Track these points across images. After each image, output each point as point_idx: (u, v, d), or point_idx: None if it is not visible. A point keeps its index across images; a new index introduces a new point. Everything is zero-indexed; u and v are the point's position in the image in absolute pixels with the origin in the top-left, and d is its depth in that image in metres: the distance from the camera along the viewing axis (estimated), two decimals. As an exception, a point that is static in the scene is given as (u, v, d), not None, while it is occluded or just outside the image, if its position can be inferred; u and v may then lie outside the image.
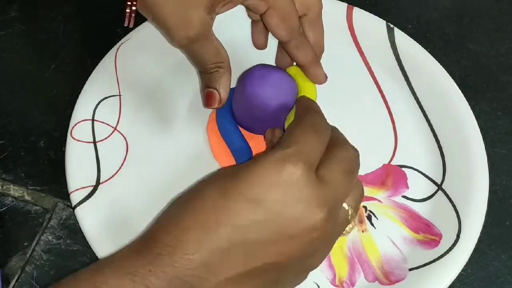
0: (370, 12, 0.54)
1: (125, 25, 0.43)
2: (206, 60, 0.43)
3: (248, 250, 0.33)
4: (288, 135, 0.36)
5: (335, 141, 0.37)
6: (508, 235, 0.48)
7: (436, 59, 0.52)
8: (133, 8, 0.41)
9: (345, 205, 0.36)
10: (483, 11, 0.58)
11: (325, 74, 0.47)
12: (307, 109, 0.39)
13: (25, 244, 0.46)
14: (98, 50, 0.51)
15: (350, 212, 0.37)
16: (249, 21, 0.50)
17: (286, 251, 0.34)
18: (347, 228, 0.39)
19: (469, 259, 0.45)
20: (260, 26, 0.48)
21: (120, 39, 0.51)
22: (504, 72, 0.55)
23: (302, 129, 0.36)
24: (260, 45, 0.50)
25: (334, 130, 0.39)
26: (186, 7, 0.40)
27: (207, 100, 0.44)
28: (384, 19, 0.53)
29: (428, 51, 0.53)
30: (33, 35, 0.55)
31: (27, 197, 0.48)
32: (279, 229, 0.33)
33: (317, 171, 0.35)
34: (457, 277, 0.44)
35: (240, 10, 0.47)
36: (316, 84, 0.47)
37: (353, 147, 0.38)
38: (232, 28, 0.50)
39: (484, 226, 0.46)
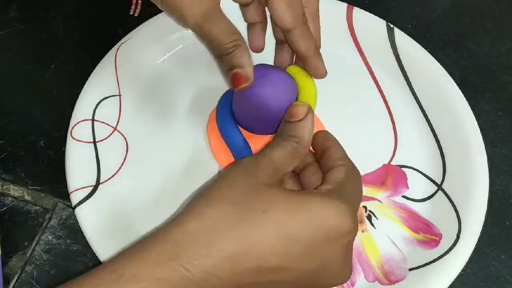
0: (370, 12, 0.54)
1: (131, 13, 0.42)
2: (222, 40, 0.41)
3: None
4: (345, 186, 0.36)
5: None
6: (508, 235, 0.48)
7: (436, 59, 0.52)
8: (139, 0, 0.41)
9: None
10: (483, 11, 0.58)
11: (325, 69, 0.46)
12: (350, 161, 0.39)
13: (25, 244, 0.46)
14: (98, 50, 0.51)
15: None
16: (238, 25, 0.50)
17: None
18: None
19: (469, 259, 0.45)
20: (257, 29, 0.48)
21: (120, 39, 0.51)
22: (504, 72, 0.55)
23: (355, 185, 0.37)
24: (258, 47, 0.49)
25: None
26: None
27: (235, 81, 0.41)
28: (384, 19, 0.53)
29: (428, 51, 0.53)
30: (33, 35, 0.55)
31: (27, 197, 0.48)
32: (317, 278, 0.34)
33: None
34: (457, 277, 0.44)
35: (237, 11, 0.47)
36: (315, 84, 0.47)
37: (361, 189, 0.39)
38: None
39: (484, 226, 0.46)
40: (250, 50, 0.42)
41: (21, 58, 0.54)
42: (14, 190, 0.48)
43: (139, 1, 0.41)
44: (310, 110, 0.38)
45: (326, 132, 0.41)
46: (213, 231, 0.32)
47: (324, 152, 0.39)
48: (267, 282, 0.33)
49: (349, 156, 0.40)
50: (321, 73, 0.45)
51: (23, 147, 0.50)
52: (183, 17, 0.41)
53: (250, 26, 0.49)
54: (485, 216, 0.46)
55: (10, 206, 0.47)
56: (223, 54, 0.41)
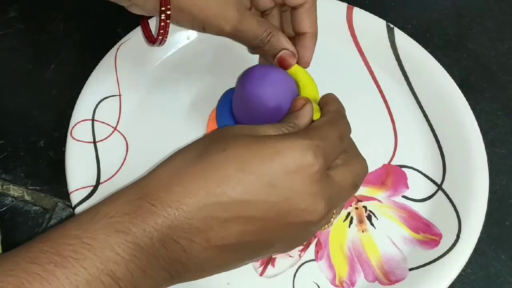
0: (370, 12, 0.54)
1: (158, 43, 0.44)
2: (257, 34, 0.44)
3: (247, 225, 0.34)
4: (317, 128, 0.38)
5: (354, 151, 0.40)
6: (508, 235, 0.48)
7: (436, 59, 0.52)
8: (166, 18, 0.42)
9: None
10: (483, 11, 0.59)
11: (311, 59, 0.47)
12: (339, 113, 0.41)
13: (25, 244, 0.46)
14: (98, 50, 0.51)
15: (334, 216, 0.41)
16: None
17: (281, 235, 0.36)
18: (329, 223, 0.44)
19: (469, 259, 0.45)
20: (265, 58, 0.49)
21: (120, 39, 0.51)
22: (504, 72, 0.55)
23: (331, 129, 0.38)
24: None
25: (352, 141, 0.41)
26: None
27: (284, 62, 0.45)
28: (384, 19, 0.54)
29: (428, 51, 0.53)
30: (33, 35, 0.55)
31: (27, 197, 0.48)
32: (283, 214, 0.35)
33: (329, 170, 0.37)
34: (457, 277, 0.44)
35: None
36: (316, 84, 0.47)
37: (366, 164, 0.40)
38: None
39: (484, 226, 0.46)
40: (283, 33, 0.45)
41: (21, 58, 0.54)
42: (14, 190, 0.48)
43: (167, 29, 0.42)
44: (308, 101, 0.41)
45: (332, 94, 0.44)
46: (176, 172, 0.34)
47: (322, 110, 0.42)
48: (234, 217, 0.34)
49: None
50: (307, 59, 0.47)
51: (23, 147, 0.50)
52: (219, 26, 0.43)
53: (259, 56, 0.49)
54: (485, 216, 0.46)
55: (10, 206, 0.47)
56: (261, 47, 0.45)
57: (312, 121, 0.41)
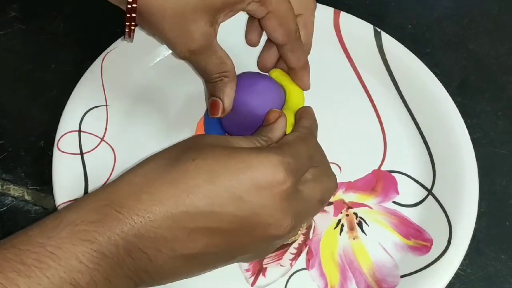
0: (370, 12, 0.54)
1: (125, 40, 0.43)
2: (210, 71, 0.43)
3: (213, 237, 0.34)
4: (289, 143, 0.38)
5: (324, 167, 0.40)
6: (508, 235, 0.48)
7: (436, 59, 0.52)
8: (132, 27, 0.42)
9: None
10: (483, 11, 0.59)
11: (310, 82, 0.47)
12: (311, 130, 0.42)
13: (25, 244, 0.46)
14: (98, 50, 0.51)
15: (300, 228, 0.43)
16: (238, 28, 0.50)
17: (246, 247, 0.36)
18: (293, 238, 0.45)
19: (469, 259, 0.45)
20: (255, 24, 0.48)
21: (119, 39, 0.51)
22: (504, 72, 0.55)
23: (303, 146, 0.38)
24: (253, 42, 0.50)
25: (324, 157, 0.41)
26: (186, 21, 0.40)
27: (211, 109, 0.44)
28: (384, 19, 0.54)
29: (428, 51, 0.53)
30: (33, 35, 0.55)
31: (27, 197, 0.48)
32: (250, 227, 0.35)
33: (298, 184, 0.37)
34: (457, 277, 0.44)
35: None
36: (303, 90, 0.47)
37: (335, 180, 0.41)
38: (223, 34, 0.49)
39: (484, 226, 0.46)
40: (235, 84, 0.44)
41: (21, 58, 0.54)
42: (14, 190, 0.48)
43: (133, 30, 0.42)
44: (282, 114, 0.42)
45: (307, 107, 0.44)
46: (145, 179, 0.34)
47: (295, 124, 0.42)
48: (201, 228, 0.34)
49: (338, 161, 0.42)
50: (305, 85, 0.47)
51: (23, 147, 0.50)
52: (173, 50, 0.43)
53: (250, 20, 0.50)
54: (485, 216, 0.46)
55: (10, 206, 0.47)
56: (207, 82, 0.44)
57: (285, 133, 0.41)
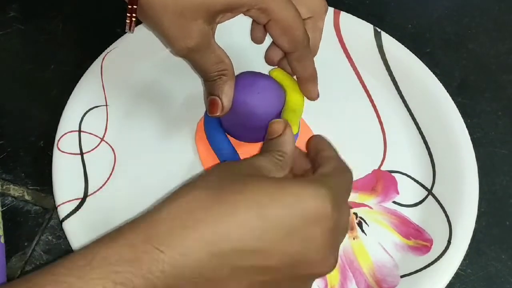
0: (370, 12, 0.54)
1: (126, 31, 0.43)
2: (208, 69, 0.43)
3: (257, 276, 0.31)
4: (331, 175, 0.36)
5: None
6: (508, 235, 0.48)
7: (436, 59, 0.52)
8: (133, 19, 0.42)
9: None
10: (483, 11, 0.59)
11: (318, 92, 0.46)
12: (344, 163, 0.38)
13: (25, 244, 0.46)
14: (98, 50, 0.51)
15: None
16: (239, 27, 0.49)
17: (285, 287, 0.33)
18: None
19: (469, 259, 0.45)
20: None
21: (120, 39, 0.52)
22: (504, 72, 0.55)
23: (343, 180, 0.36)
24: (258, 40, 0.49)
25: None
26: (185, 18, 0.40)
27: (210, 107, 0.43)
28: (384, 19, 0.54)
29: (428, 51, 0.53)
30: (33, 35, 0.55)
31: (27, 197, 0.48)
32: (296, 265, 0.32)
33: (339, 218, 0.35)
34: (457, 277, 0.44)
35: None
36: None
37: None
38: (224, 34, 0.49)
39: (484, 226, 0.46)
40: (233, 83, 0.43)
41: (21, 58, 0.54)
42: (14, 190, 0.48)
43: (134, 22, 0.42)
44: (287, 125, 0.39)
45: (319, 136, 0.41)
46: (188, 214, 0.31)
47: (316, 155, 0.39)
48: (248, 267, 0.31)
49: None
50: (312, 96, 0.46)
51: (23, 147, 0.50)
52: (171, 47, 0.42)
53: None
54: (485, 216, 0.46)
55: (10, 206, 0.47)
56: (206, 80, 0.43)
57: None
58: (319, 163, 0.38)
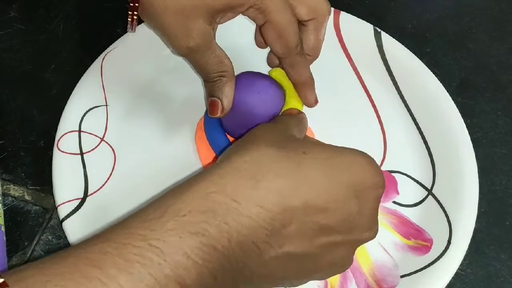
0: (370, 12, 0.54)
1: (128, 31, 0.44)
2: (208, 70, 0.43)
3: (320, 236, 0.32)
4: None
5: None
6: (508, 235, 0.48)
7: (436, 59, 0.52)
8: (135, 17, 0.42)
9: None
10: (483, 11, 0.59)
11: (316, 99, 0.47)
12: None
13: (25, 244, 0.46)
14: (98, 50, 0.51)
15: None
16: (239, 28, 0.49)
17: (338, 254, 0.34)
18: None
19: (469, 259, 0.45)
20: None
21: (119, 39, 0.51)
22: (504, 72, 0.55)
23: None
24: (262, 44, 0.50)
25: None
26: (186, 18, 0.40)
27: (211, 109, 0.44)
28: (384, 19, 0.54)
29: (428, 51, 0.53)
30: (33, 35, 0.55)
31: (27, 197, 0.48)
32: (352, 228, 0.33)
33: None
34: (457, 277, 0.44)
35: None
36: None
37: None
38: (224, 34, 0.49)
39: (484, 226, 0.46)
40: (234, 84, 0.44)
41: (21, 58, 0.54)
42: (14, 190, 0.48)
43: (135, 22, 0.42)
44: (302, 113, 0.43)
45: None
46: (259, 166, 0.31)
47: None
48: (313, 224, 0.32)
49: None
50: (309, 103, 0.46)
51: (23, 147, 0.50)
52: (172, 46, 0.43)
53: None
54: (485, 216, 0.46)
55: (10, 206, 0.47)
56: (206, 81, 0.44)
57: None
58: None
